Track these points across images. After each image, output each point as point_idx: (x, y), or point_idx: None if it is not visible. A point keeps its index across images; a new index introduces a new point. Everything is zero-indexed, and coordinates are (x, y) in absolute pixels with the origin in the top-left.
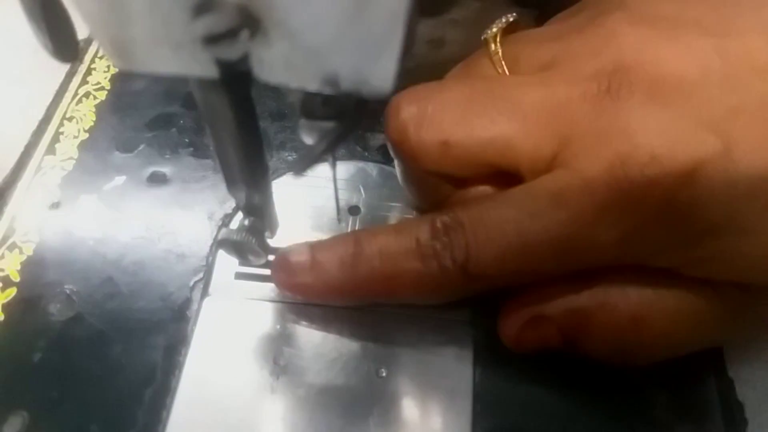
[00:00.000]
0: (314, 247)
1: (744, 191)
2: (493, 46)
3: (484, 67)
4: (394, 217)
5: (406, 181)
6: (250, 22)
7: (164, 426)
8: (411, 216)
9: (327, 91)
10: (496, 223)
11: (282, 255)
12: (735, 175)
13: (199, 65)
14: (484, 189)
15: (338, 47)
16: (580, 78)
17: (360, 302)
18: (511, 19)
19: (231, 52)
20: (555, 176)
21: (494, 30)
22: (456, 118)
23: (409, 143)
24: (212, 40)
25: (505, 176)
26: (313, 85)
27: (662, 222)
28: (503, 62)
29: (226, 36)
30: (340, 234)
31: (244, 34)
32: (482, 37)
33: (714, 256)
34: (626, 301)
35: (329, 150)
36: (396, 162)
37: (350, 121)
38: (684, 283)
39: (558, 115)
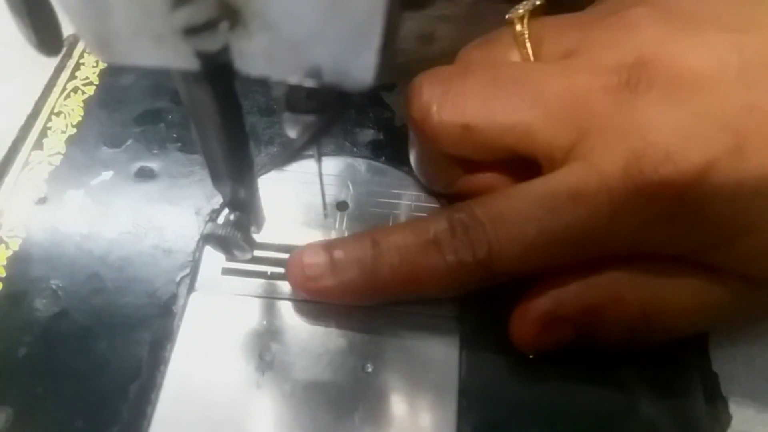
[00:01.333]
0: (329, 247)
1: (753, 188)
2: (519, 26)
3: (506, 46)
4: (384, 214)
5: (418, 161)
6: (229, 14)
7: (149, 421)
8: (398, 211)
9: (308, 83)
10: (517, 220)
11: (296, 255)
12: (745, 173)
13: (180, 57)
14: (494, 176)
15: (318, 39)
16: (601, 69)
17: (378, 302)
18: (538, 2)
19: (211, 43)
20: (573, 170)
21: (521, 11)
22: (479, 102)
23: (430, 123)
24: (191, 31)
25: (517, 162)
26: (293, 78)
27: (675, 216)
28: (528, 44)
29: (206, 27)
30: (354, 234)
31: (224, 25)
32: (507, 16)
33: (721, 247)
34: (636, 294)
35: (310, 144)
36: (410, 142)
37: (331, 114)
38: (691, 272)
39: (578, 105)
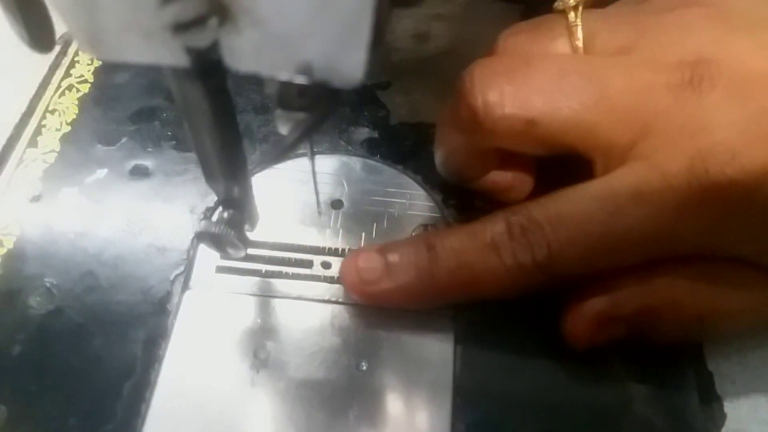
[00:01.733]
0: (384, 251)
1: None
2: (573, 16)
3: (556, 35)
4: (378, 212)
5: (449, 155)
6: (219, 10)
7: (143, 419)
8: (392, 209)
9: (298, 79)
10: (578, 222)
11: (351, 260)
12: None
13: (170, 54)
14: (523, 176)
15: (307, 35)
16: (663, 66)
17: (434, 305)
18: None
19: (200, 40)
20: (634, 170)
21: (572, 2)
22: (545, 96)
23: (492, 117)
24: (181, 27)
25: (553, 161)
26: (283, 74)
27: (742, 216)
28: (581, 37)
29: (195, 24)
30: (408, 238)
31: (213, 21)
32: (556, 6)
33: None
34: (693, 298)
35: (301, 141)
36: (440, 134)
37: (323, 111)
38: (750, 276)
39: (641, 103)
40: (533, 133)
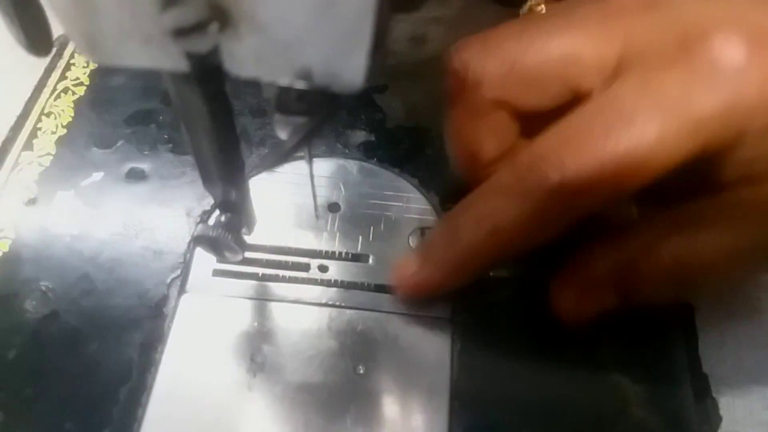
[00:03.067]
0: (416, 250)
1: None
2: (537, 7)
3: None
4: (376, 215)
5: (460, 133)
6: (219, 15)
7: (140, 424)
8: (389, 212)
9: (298, 85)
10: (581, 137)
11: (394, 269)
12: None
13: (170, 59)
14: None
15: (308, 41)
16: None
17: (477, 273)
18: None
19: (200, 45)
20: (628, 74)
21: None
22: (517, 40)
23: (473, 71)
24: (181, 32)
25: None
26: (284, 80)
27: (754, 84)
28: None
29: (195, 29)
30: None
31: (213, 26)
32: (521, 11)
33: None
34: (668, 245)
35: (301, 146)
36: (451, 115)
37: (322, 116)
38: (725, 212)
39: (614, 17)
40: (516, 75)
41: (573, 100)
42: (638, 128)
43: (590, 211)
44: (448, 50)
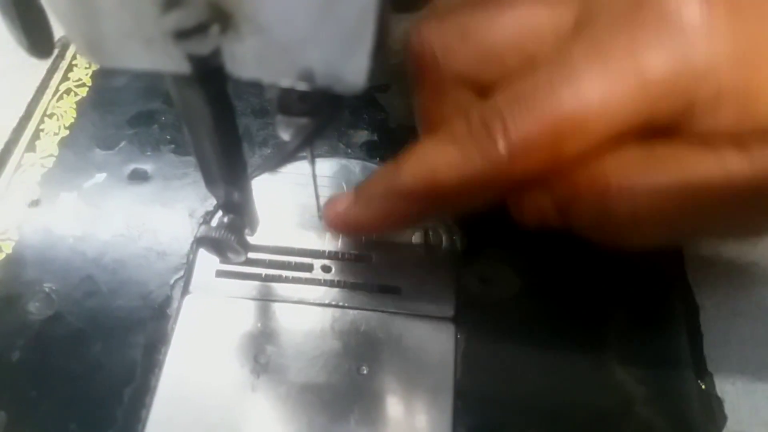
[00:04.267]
0: (358, 185)
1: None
2: None
3: None
4: None
5: (425, 110)
6: (221, 17)
7: (144, 425)
8: None
9: (300, 86)
10: (531, 94)
11: (333, 199)
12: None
13: (172, 61)
14: None
15: (309, 42)
16: None
17: (406, 222)
18: None
19: (202, 47)
20: (579, 39)
21: None
22: (471, 15)
23: (431, 48)
24: (183, 35)
25: None
26: (285, 81)
27: (707, 42)
28: None
29: (197, 31)
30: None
31: (215, 28)
32: None
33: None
34: (614, 170)
35: (303, 147)
36: (415, 93)
37: (324, 117)
38: (676, 147)
39: None
40: (476, 47)
41: None
42: (582, 88)
43: (534, 176)
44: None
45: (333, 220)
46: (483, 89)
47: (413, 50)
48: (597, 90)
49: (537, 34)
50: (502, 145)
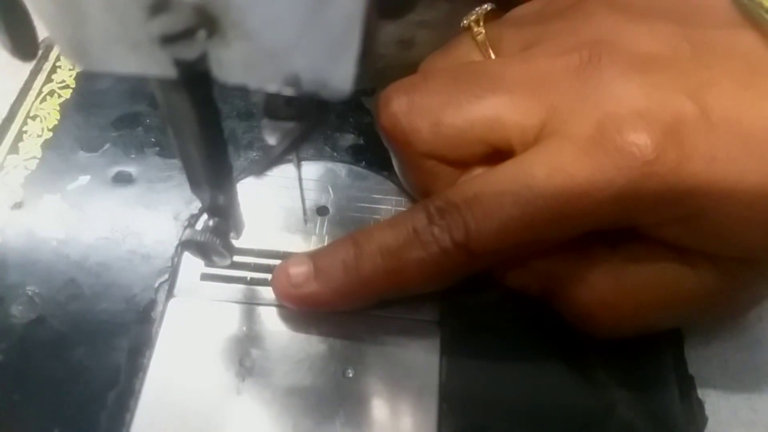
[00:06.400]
0: (313, 255)
1: (724, 155)
2: (476, 28)
3: (465, 49)
4: (364, 218)
5: (404, 174)
6: (207, 22)
7: (128, 429)
8: (378, 216)
9: (286, 92)
10: (492, 197)
11: (281, 267)
12: (714, 138)
13: (158, 65)
14: (478, 172)
15: (296, 48)
16: (560, 52)
17: (365, 304)
18: (489, 9)
19: (188, 52)
20: (546, 144)
21: (474, 16)
22: (443, 100)
23: (401, 128)
24: (169, 39)
25: (497, 157)
26: (272, 86)
27: (654, 180)
28: (487, 43)
29: (183, 36)
30: (336, 239)
31: (201, 34)
32: (462, 24)
33: (702, 221)
34: (600, 282)
35: (289, 151)
36: (392, 155)
37: (310, 122)
38: (658, 257)
39: (542, 85)
40: (443, 135)
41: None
42: (539, 202)
43: (491, 266)
44: (376, 98)
45: (287, 294)
46: (454, 163)
47: (383, 126)
48: (552, 206)
49: (503, 131)
50: (461, 242)
